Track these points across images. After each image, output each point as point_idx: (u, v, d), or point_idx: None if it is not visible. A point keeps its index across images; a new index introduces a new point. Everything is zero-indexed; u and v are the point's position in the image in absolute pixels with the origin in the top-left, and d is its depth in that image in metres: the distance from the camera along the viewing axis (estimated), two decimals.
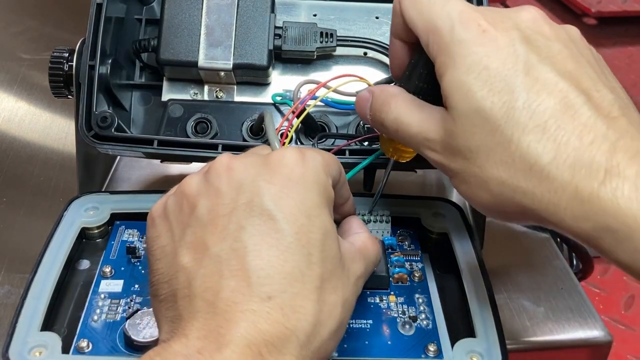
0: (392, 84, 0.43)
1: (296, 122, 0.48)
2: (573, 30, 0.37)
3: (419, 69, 0.39)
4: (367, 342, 0.41)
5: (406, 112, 0.38)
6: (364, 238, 0.39)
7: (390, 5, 0.55)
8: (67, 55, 0.51)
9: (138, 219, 0.50)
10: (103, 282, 0.44)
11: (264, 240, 0.33)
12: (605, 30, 1.60)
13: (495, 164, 0.34)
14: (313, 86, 0.51)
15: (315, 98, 0.49)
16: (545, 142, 0.33)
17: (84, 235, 0.48)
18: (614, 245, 0.31)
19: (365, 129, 0.52)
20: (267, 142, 0.50)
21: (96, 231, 0.49)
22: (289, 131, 0.47)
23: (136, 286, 0.44)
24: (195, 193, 0.35)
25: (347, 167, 0.43)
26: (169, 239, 0.35)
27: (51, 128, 0.69)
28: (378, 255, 0.40)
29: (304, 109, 0.48)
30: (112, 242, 0.48)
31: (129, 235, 0.49)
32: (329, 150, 0.45)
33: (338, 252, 0.35)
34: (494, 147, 0.34)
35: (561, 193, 0.32)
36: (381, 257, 0.43)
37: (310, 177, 0.35)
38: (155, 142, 0.49)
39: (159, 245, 0.36)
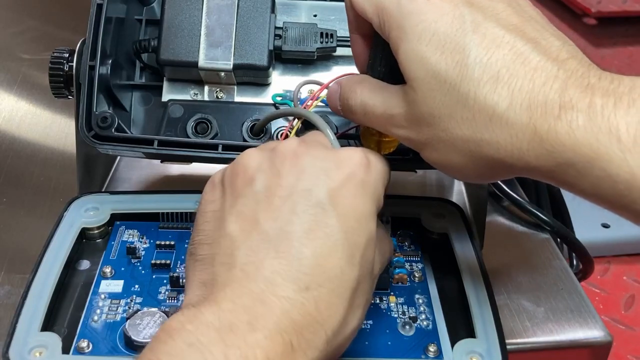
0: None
1: (297, 122, 0.47)
2: None
3: (378, 54, 0.41)
4: (367, 343, 0.41)
5: (370, 95, 0.39)
6: (380, 236, 0.39)
7: None
8: (67, 55, 0.51)
9: (138, 219, 0.50)
10: (103, 283, 0.44)
11: (313, 230, 0.33)
12: (605, 30, 1.59)
13: (457, 123, 0.35)
14: (313, 86, 0.51)
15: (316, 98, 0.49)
16: (500, 91, 0.34)
17: (84, 235, 0.48)
18: (577, 178, 0.33)
19: None
20: (268, 141, 0.50)
21: (96, 231, 0.48)
22: (289, 132, 0.47)
23: (136, 286, 0.44)
24: (256, 167, 0.36)
25: None
26: (220, 205, 0.36)
27: (51, 128, 0.68)
28: (392, 251, 0.40)
29: None
30: (112, 243, 0.48)
31: (129, 236, 0.48)
32: None
33: (373, 258, 0.36)
34: (454, 106, 0.35)
35: (522, 136, 0.33)
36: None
37: (371, 184, 0.36)
38: (156, 143, 0.49)
39: (211, 209, 0.36)
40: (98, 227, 0.48)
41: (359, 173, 0.35)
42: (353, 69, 0.54)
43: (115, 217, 0.49)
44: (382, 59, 0.40)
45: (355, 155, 0.36)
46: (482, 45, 0.35)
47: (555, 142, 0.32)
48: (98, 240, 0.49)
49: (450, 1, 0.36)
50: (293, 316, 0.31)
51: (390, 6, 0.37)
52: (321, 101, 0.49)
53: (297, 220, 0.33)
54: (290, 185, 0.34)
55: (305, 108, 0.48)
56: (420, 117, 0.37)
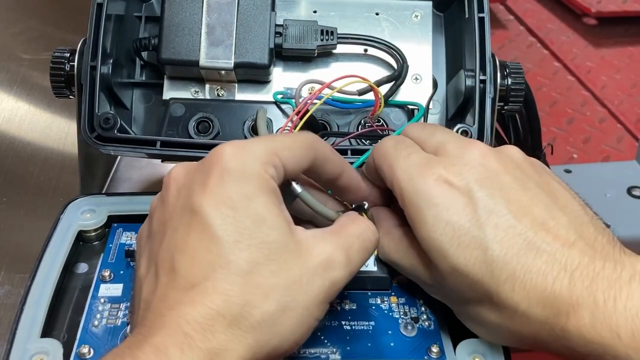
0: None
1: (299, 123, 0.47)
2: (514, 152, 0.39)
3: None
4: (369, 344, 0.41)
5: (397, 256, 0.41)
6: (342, 220, 0.38)
7: (390, 2, 0.55)
8: (68, 55, 0.50)
9: (135, 222, 0.49)
10: (102, 287, 0.44)
11: (189, 235, 0.34)
12: (605, 30, 1.59)
13: (485, 310, 0.37)
14: (314, 85, 0.51)
15: (319, 98, 0.49)
16: (518, 290, 0.35)
17: (81, 238, 0.47)
18: None
19: (366, 127, 0.52)
20: None
21: (93, 234, 0.47)
22: (292, 131, 0.47)
23: None
24: (154, 207, 0.38)
25: None
26: (138, 256, 0.38)
27: (51, 128, 0.68)
28: (363, 231, 0.38)
29: (307, 110, 0.48)
30: (110, 245, 0.47)
31: (127, 238, 0.48)
32: None
33: (282, 238, 0.34)
34: (480, 297, 0.36)
35: (543, 332, 0.35)
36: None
37: (238, 170, 0.35)
38: (158, 144, 0.48)
39: (135, 262, 0.39)
40: (95, 230, 0.47)
41: (225, 164, 0.35)
42: (353, 66, 0.54)
43: (112, 219, 0.49)
44: None
45: (223, 149, 0.36)
46: (497, 239, 0.35)
47: (570, 339, 0.34)
48: (95, 243, 0.48)
49: (461, 180, 0.37)
50: (185, 310, 0.32)
51: (403, 182, 0.38)
52: (325, 101, 0.49)
53: (176, 235, 0.35)
54: (171, 208, 0.36)
55: (307, 109, 0.48)
56: (449, 293, 0.39)
